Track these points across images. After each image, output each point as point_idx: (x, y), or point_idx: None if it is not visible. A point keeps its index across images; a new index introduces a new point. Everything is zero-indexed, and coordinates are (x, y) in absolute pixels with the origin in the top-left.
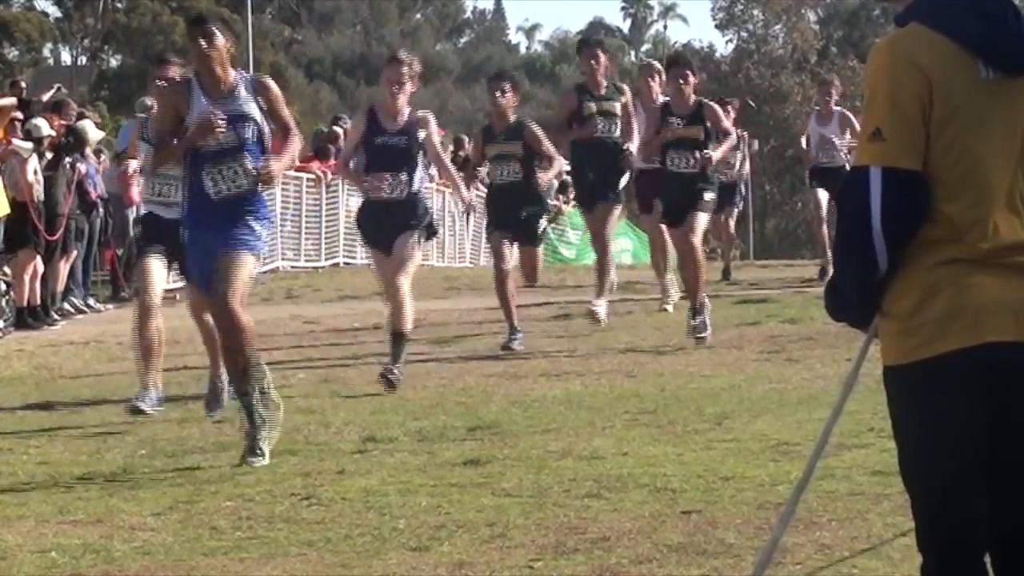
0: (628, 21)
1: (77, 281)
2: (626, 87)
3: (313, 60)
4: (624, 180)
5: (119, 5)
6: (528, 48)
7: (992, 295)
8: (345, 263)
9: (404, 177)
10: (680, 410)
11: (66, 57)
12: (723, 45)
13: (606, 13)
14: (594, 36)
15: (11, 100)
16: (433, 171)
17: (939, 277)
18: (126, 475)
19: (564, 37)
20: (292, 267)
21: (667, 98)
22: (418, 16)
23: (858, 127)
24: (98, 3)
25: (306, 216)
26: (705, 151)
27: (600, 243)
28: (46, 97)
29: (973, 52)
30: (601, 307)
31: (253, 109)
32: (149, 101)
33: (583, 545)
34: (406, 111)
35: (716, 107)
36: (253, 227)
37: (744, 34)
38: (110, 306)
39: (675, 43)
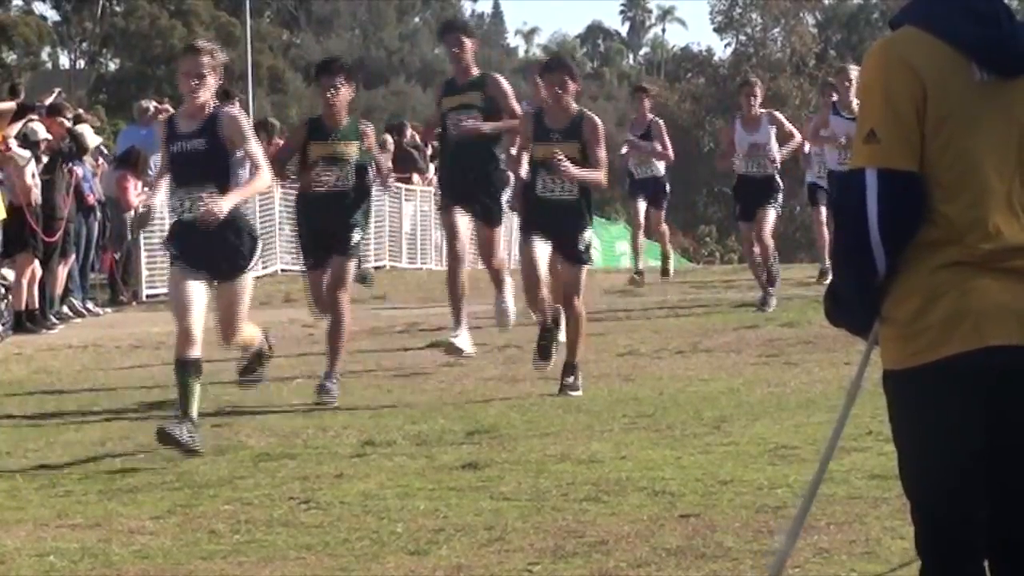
0: (627, 24)
1: (75, 285)
2: (497, 80)
3: (311, 64)
4: (504, 195)
5: (117, 9)
6: (527, 51)
7: (994, 299)
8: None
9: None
10: (678, 414)
11: (64, 61)
12: (722, 49)
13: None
14: (459, 19)
15: (10, 105)
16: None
17: (940, 281)
18: (124, 479)
19: (562, 41)
20: (290, 270)
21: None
22: (416, 19)
23: (788, 127)
24: (96, 7)
25: None
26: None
27: (489, 262)
28: (47, 102)
29: (967, 54)
30: (460, 337)
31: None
32: (145, 103)
33: (581, 549)
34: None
35: (598, 124)
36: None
37: (742, 37)
38: (108, 310)
39: (673, 46)
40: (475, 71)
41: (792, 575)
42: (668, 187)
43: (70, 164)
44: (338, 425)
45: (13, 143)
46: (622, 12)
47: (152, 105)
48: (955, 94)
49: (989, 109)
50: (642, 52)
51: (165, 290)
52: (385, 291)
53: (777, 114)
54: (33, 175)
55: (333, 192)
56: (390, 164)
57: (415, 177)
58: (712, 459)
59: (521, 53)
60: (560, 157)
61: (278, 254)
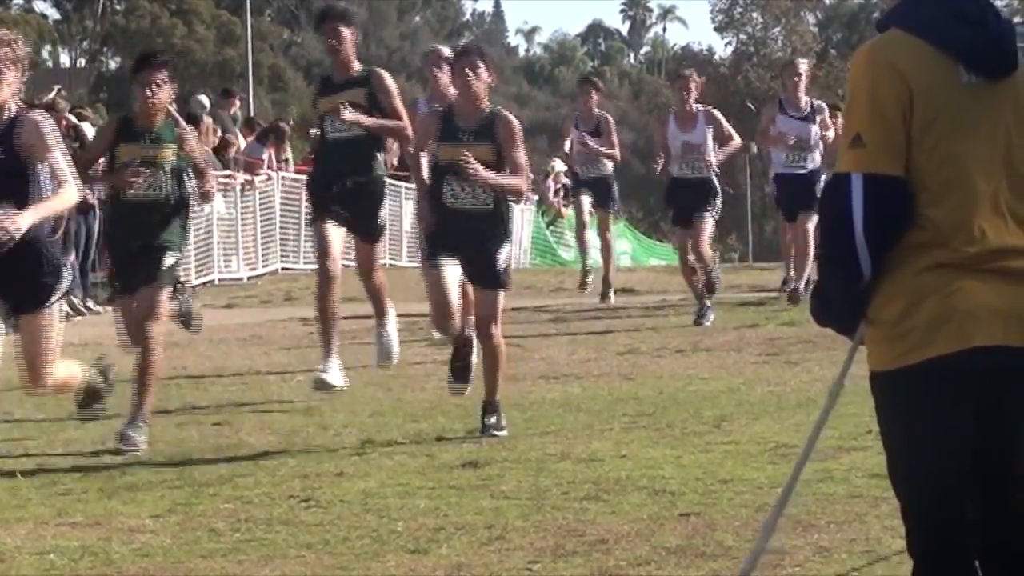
0: (627, 23)
1: (76, 283)
2: (381, 76)
3: (312, 62)
4: (381, 212)
5: (118, 7)
6: (527, 51)
7: (979, 300)
8: (344, 265)
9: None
10: (678, 412)
11: (65, 59)
12: (722, 48)
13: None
14: (337, 7)
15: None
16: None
17: (925, 282)
18: (124, 477)
19: (563, 40)
20: (290, 269)
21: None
22: (417, 18)
23: (727, 127)
24: (97, 5)
25: (305, 219)
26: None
27: (368, 283)
28: (47, 99)
29: (954, 56)
30: (331, 372)
31: None
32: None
33: (581, 547)
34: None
35: (514, 124)
36: None
37: (743, 37)
38: (108, 308)
39: (674, 45)
40: (357, 66)
41: (792, 574)
42: (616, 187)
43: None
44: (338, 424)
45: None
46: (623, 11)
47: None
48: (942, 97)
49: (976, 111)
50: (643, 51)
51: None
52: None
53: (715, 112)
54: None
55: (146, 202)
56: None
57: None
58: (712, 458)
59: (522, 52)
60: (468, 159)
61: (278, 253)
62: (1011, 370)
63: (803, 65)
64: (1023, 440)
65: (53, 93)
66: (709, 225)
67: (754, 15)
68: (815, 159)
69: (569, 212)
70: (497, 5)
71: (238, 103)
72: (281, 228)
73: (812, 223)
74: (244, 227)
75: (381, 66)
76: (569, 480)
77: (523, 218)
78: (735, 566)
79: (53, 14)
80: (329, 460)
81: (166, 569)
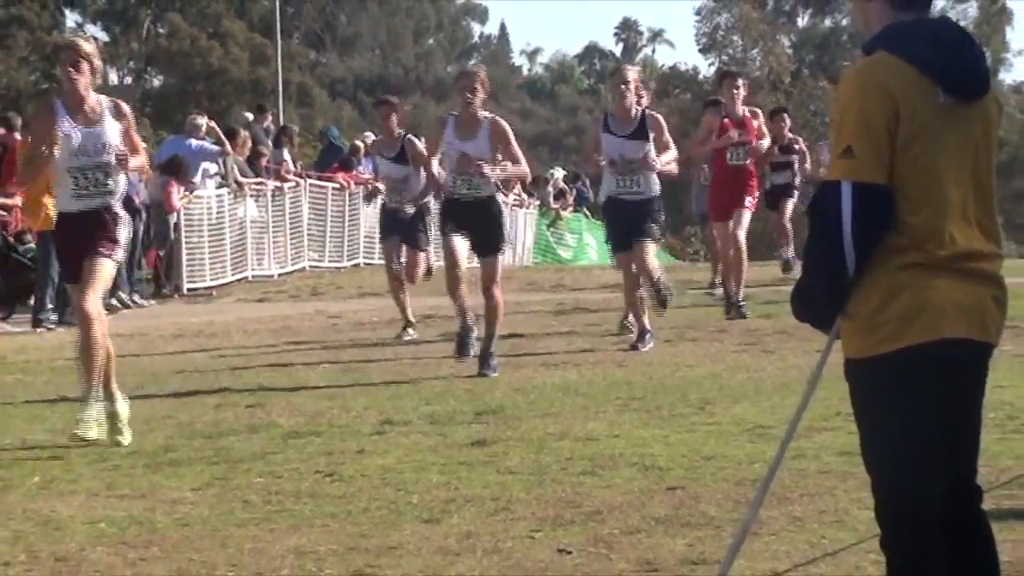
0: (620, 45)
1: (123, 280)
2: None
3: (336, 80)
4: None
5: (161, 31)
6: (530, 70)
7: (948, 297)
8: (364, 263)
9: None
10: (666, 396)
11: (113, 77)
12: (706, 67)
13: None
14: None
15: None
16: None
17: (900, 279)
18: (167, 454)
19: (562, 60)
20: (316, 267)
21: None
22: (431, 41)
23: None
24: (142, 29)
25: (330, 221)
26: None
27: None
28: None
29: (934, 79)
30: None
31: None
32: (200, 120)
33: (578, 517)
34: None
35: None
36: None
37: (725, 57)
38: (153, 302)
39: (662, 65)
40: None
41: (769, 542)
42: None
43: None
44: (359, 406)
45: None
46: (616, 34)
47: (206, 121)
48: (923, 115)
49: (950, 129)
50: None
51: (206, 284)
52: None
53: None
54: None
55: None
56: None
57: None
58: (696, 437)
59: (525, 71)
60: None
61: (305, 252)
62: (971, 362)
63: (631, 72)
64: (978, 424)
65: None
66: (650, 249)
67: (734, 38)
68: (651, 182)
69: (567, 215)
70: (503, 29)
71: (270, 117)
72: (308, 229)
73: (650, 253)
74: (275, 228)
75: (399, 83)
76: (567, 457)
77: (526, 221)
78: (717, 534)
79: (103, 36)
80: (351, 439)
81: (204, 537)
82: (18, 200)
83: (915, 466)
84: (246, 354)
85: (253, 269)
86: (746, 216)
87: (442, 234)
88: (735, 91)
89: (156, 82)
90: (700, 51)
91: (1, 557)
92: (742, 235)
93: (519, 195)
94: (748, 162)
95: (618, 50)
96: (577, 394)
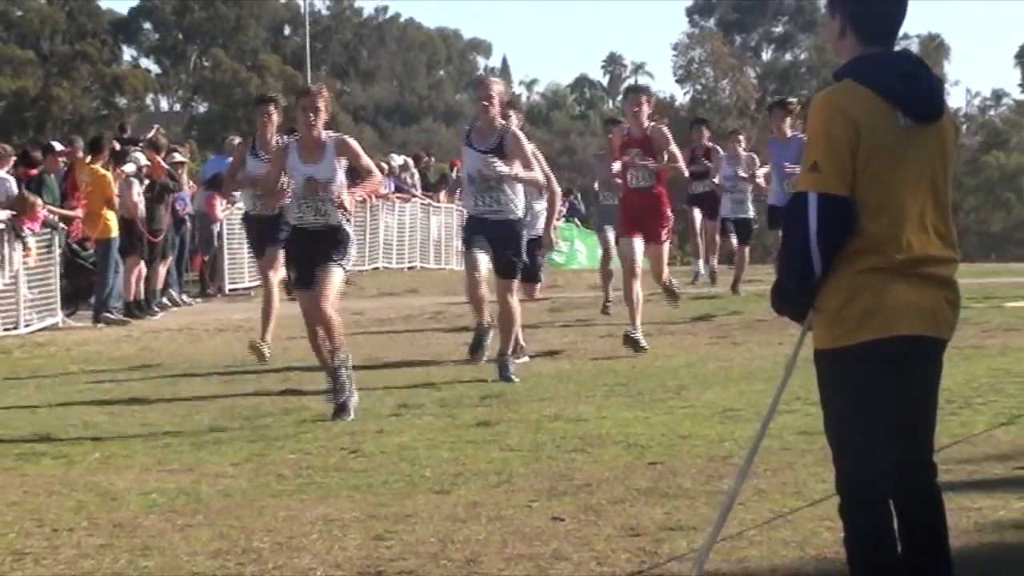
0: (607, 76)
1: (173, 281)
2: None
3: (359, 107)
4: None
5: (206, 64)
6: (528, 98)
7: (903, 298)
8: (384, 267)
9: None
10: (647, 383)
11: (164, 104)
12: (681, 95)
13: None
14: None
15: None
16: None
17: (862, 281)
18: (211, 433)
19: (556, 89)
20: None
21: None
22: (441, 72)
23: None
24: (189, 62)
25: (354, 229)
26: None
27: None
28: (149, 136)
29: (893, 104)
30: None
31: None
32: (236, 141)
33: (571, 489)
34: None
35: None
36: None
37: (698, 87)
38: (198, 301)
39: None
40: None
41: (736, 511)
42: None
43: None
44: (379, 392)
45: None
46: (603, 66)
47: (237, 139)
48: (883, 136)
49: (909, 147)
50: (619, 99)
51: (245, 285)
52: (416, 286)
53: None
54: (138, 194)
55: None
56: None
57: (441, 196)
58: (674, 419)
59: (524, 99)
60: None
61: None
62: (924, 355)
63: (495, 85)
64: (932, 409)
65: (153, 131)
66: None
67: (707, 70)
68: (511, 202)
69: (559, 224)
70: (504, 61)
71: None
72: None
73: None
74: None
75: (413, 109)
76: (561, 436)
77: None
78: (692, 504)
79: (155, 68)
80: (372, 420)
81: (244, 506)
82: (79, 212)
83: (870, 445)
84: (280, 346)
85: (287, 271)
86: (664, 252)
87: (286, 265)
88: (636, 109)
89: (202, 108)
90: (677, 81)
91: (66, 523)
92: (666, 275)
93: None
94: (655, 185)
95: (605, 81)
96: (569, 381)
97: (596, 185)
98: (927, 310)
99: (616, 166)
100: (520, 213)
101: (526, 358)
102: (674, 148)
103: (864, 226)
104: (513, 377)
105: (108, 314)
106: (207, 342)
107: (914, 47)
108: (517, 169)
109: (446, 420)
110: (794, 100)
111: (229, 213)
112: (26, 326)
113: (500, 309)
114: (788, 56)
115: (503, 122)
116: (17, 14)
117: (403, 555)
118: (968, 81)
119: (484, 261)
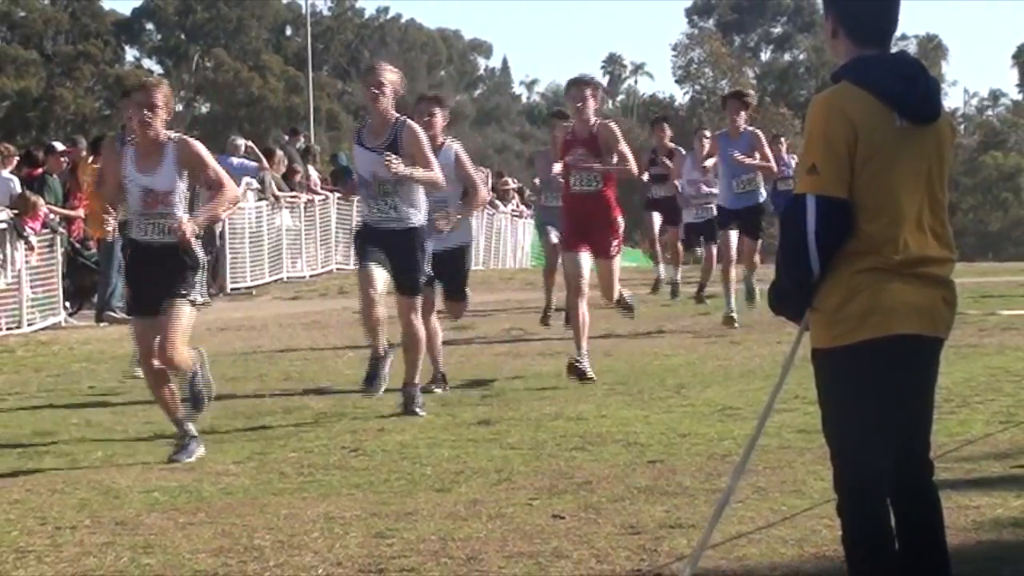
0: (607, 76)
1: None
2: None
3: (360, 107)
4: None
5: (208, 64)
6: (528, 98)
7: (900, 298)
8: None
9: None
10: (647, 381)
11: None
12: (681, 96)
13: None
14: None
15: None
16: None
17: (860, 281)
18: (213, 432)
19: (557, 89)
20: (343, 269)
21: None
22: (442, 73)
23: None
24: (191, 62)
25: (355, 229)
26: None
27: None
28: None
29: (890, 105)
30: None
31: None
32: (239, 141)
33: (571, 487)
34: None
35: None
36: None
37: (697, 87)
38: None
39: (643, 94)
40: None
41: (735, 508)
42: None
43: None
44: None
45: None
46: (603, 67)
47: (244, 142)
48: (880, 137)
49: (906, 149)
50: (619, 99)
51: (246, 284)
52: None
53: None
54: None
55: None
56: None
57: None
58: (673, 417)
59: (524, 99)
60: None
61: (333, 254)
62: (921, 353)
63: (387, 73)
64: (929, 407)
65: None
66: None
67: (706, 70)
68: (408, 209)
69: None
70: (504, 62)
71: (302, 139)
72: (336, 236)
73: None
74: (307, 236)
75: (412, 109)
76: (561, 434)
77: (525, 228)
78: (691, 501)
79: (157, 69)
80: (373, 419)
81: (246, 504)
82: (81, 212)
83: (867, 443)
84: (281, 345)
85: (288, 271)
86: (615, 267)
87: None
88: (580, 103)
89: (204, 109)
90: (676, 82)
91: (69, 521)
92: (617, 292)
93: (518, 206)
94: (602, 188)
95: (604, 81)
96: (569, 380)
97: (536, 182)
98: (924, 309)
99: (557, 167)
100: (421, 220)
101: (445, 391)
102: (623, 147)
103: (862, 227)
104: (419, 411)
105: (111, 313)
106: (209, 340)
107: (912, 48)
108: (425, 171)
109: (447, 418)
110: (751, 93)
111: (230, 213)
112: (29, 325)
113: (404, 331)
114: (787, 56)
115: (397, 115)
116: (20, 15)
117: (404, 553)
118: (966, 81)
119: (381, 276)
